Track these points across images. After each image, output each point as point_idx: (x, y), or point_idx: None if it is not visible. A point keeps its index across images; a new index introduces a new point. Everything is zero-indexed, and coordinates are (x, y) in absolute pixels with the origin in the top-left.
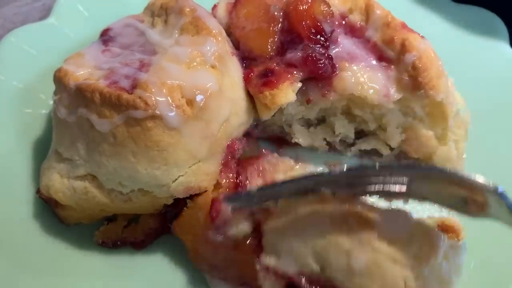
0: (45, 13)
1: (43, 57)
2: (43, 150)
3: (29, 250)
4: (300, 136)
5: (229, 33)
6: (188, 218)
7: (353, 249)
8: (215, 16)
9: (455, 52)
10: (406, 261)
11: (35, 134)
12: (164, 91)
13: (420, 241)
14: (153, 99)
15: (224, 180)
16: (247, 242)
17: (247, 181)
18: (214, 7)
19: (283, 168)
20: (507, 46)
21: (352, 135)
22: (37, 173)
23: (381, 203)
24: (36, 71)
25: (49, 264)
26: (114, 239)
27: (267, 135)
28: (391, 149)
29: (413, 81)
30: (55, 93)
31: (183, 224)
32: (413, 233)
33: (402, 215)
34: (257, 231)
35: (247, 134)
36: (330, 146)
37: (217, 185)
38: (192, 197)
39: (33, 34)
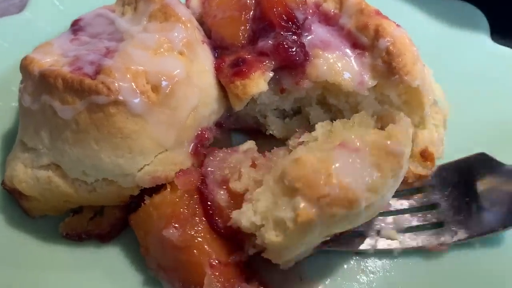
0: (23, 8)
1: (16, 50)
2: (12, 142)
3: None
4: (275, 128)
5: (202, 22)
6: (143, 215)
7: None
8: (189, 6)
9: (437, 45)
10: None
11: (4, 126)
12: (128, 76)
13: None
14: (116, 84)
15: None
16: None
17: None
18: None
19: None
20: (488, 39)
21: None
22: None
23: None
24: (9, 64)
25: (13, 256)
26: (79, 231)
27: (241, 126)
28: None
29: (388, 66)
30: (21, 81)
31: (138, 219)
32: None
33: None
34: None
35: (219, 125)
36: None
37: (174, 187)
38: (151, 194)
39: (7, 28)
